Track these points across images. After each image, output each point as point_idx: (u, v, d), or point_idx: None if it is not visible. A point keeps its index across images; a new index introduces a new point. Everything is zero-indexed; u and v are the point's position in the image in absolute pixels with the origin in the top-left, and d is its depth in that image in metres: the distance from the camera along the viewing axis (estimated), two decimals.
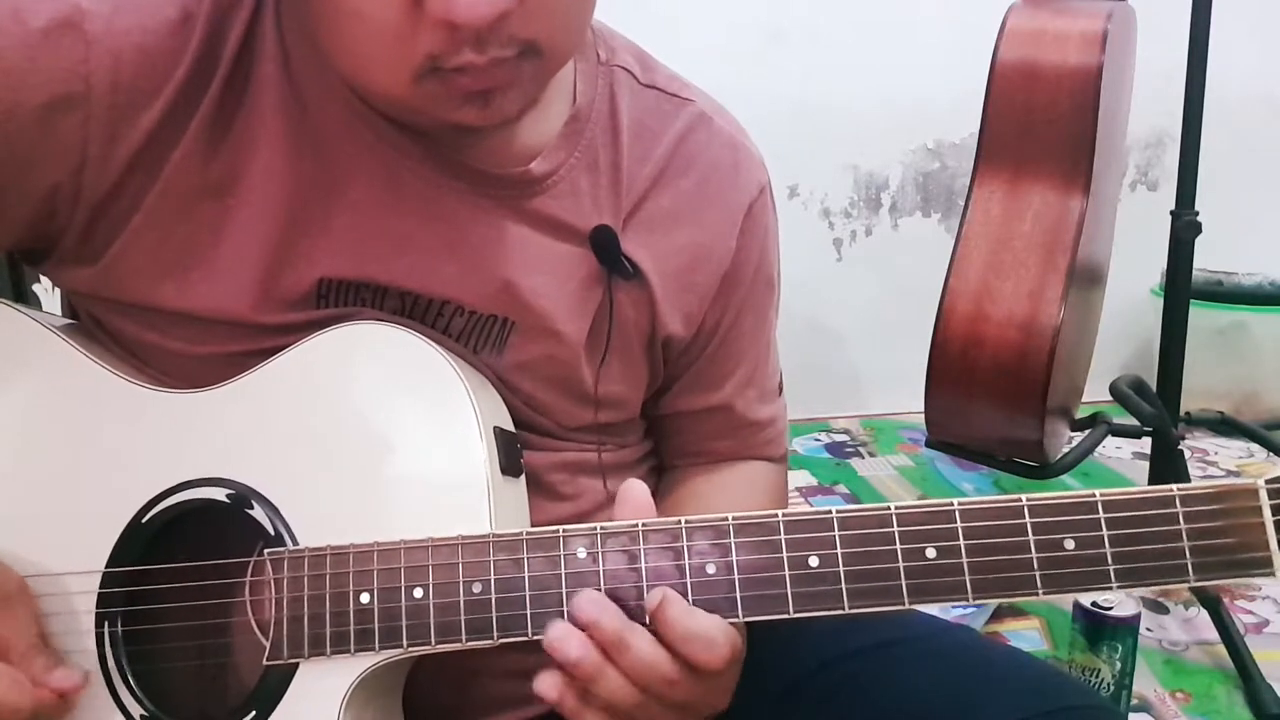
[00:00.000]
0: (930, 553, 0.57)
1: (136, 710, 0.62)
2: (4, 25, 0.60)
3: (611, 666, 0.57)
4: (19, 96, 0.60)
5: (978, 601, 0.57)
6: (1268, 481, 0.56)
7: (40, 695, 0.60)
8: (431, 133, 0.66)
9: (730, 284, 0.76)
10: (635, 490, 0.61)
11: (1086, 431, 1.77)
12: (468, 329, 0.69)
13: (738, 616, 0.58)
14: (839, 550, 0.57)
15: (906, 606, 0.57)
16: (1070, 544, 0.56)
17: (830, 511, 0.58)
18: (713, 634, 0.57)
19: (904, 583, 0.57)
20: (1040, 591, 0.56)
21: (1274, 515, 0.55)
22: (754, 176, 0.77)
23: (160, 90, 0.63)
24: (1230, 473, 2.22)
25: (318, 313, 0.67)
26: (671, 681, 0.57)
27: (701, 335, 0.77)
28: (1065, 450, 1.71)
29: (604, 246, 0.71)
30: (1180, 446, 1.69)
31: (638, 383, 0.77)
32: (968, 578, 0.57)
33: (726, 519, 0.59)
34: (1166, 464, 1.70)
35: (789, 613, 0.58)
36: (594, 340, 0.72)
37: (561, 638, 0.57)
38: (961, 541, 0.57)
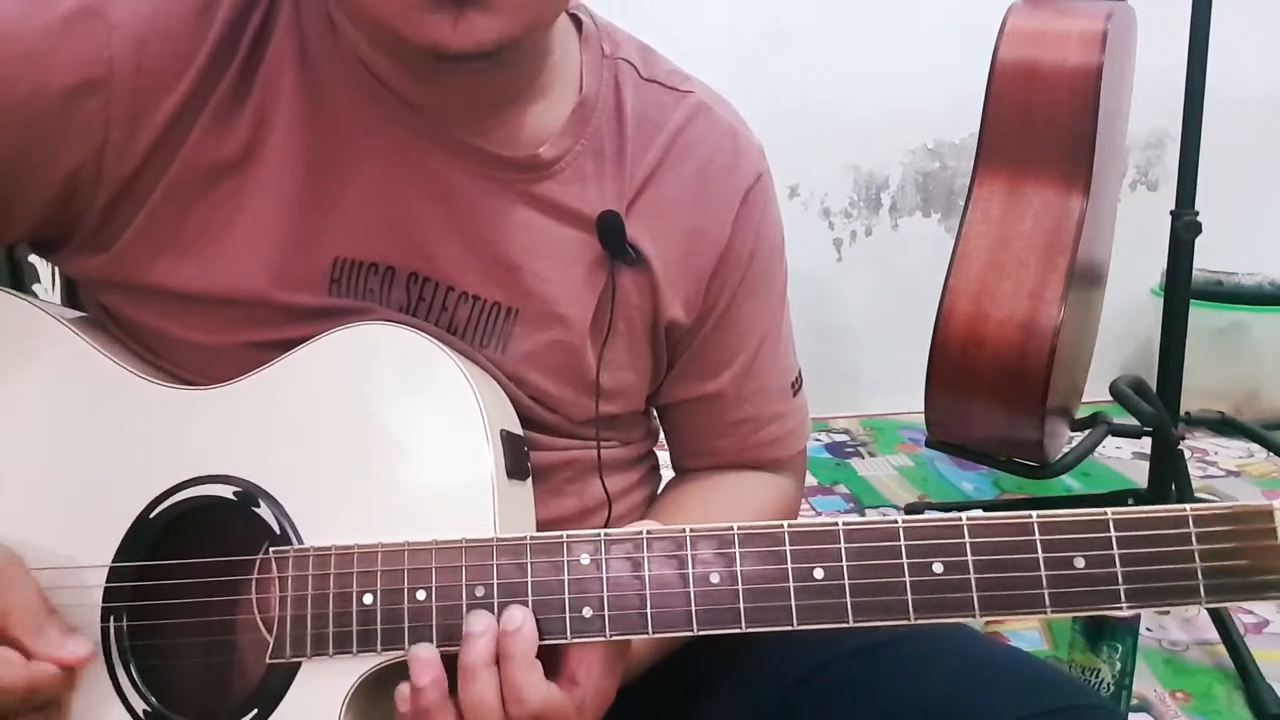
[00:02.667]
0: (937, 568, 0.56)
1: (140, 705, 0.62)
2: (28, 10, 0.61)
3: (451, 712, 0.57)
4: (42, 81, 0.61)
5: (985, 618, 0.56)
6: None
7: (35, 671, 0.59)
8: (439, 110, 0.67)
9: (725, 268, 0.77)
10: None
11: (1086, 431, 1.78)
12: (473, 319, 0.70)
13: (740, 627, 0.57)
14: (844, 563, 0.57)
15: (912, 621, 0.57)
16: (1080, 562, 0.55)
17: (837, 524, 0.57)
18: (529, 692, 0.57)
19: (910, 598, 0.56)
20: (1049, 610, 0.55)
21: None
22: (751, 164, 0.78)
23: (182, 74, 0.64)
24: (1230, 473, 2.23)
25: (330, 300, 0.67)
26: None
27: (699, 321, 0.78)
28: (1065, 450, 1.72)
29: (610, 232, 0.71)
30: (1180, 446, 1.69)
31: (642, 370, 0.77)
32: (975, 594, 0.56)
33: (732, 528, 0.58)
34: (1166, 464, 1.70)
35: (793, 624, 0.57)
36: (598, 326, 0.73)
37: (422, 660, 0.57)
38: (969, 558, 0.56)
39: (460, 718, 0.58)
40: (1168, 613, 1.67)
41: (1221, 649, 1.52)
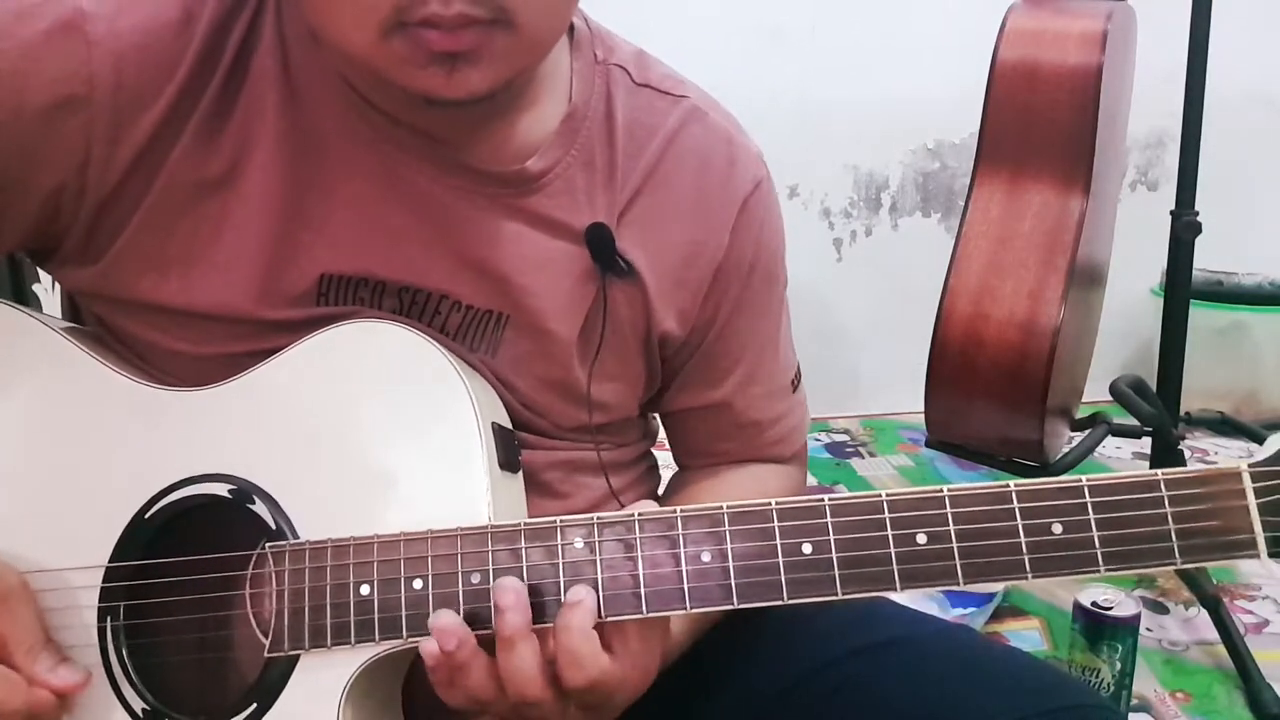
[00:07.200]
0: (921, 539, 0.58)
1: (138, 704, 0.63)
2: (7, 27, 0.61)
3: (480, 662, 0.58)
4: (22, 98, 0.61)
5: (968, 586, 0.58)
6: (1251, 466, 0.57)
7: (35, 695, 0.60)
8: (424, 126, 0.67)
9: (723, 279, 0.76)
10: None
11: (1086, 431, 1.77)
12: (464, 325, 0.70)
13: (733, 603, 0.58)
14: (832, 537, 0.58)
15: (899, 591, 0.58)
16: (1058, 528, 0.57)
17: (823, 499, 0.59)
18: (586, 658, 0.57)
19: (895, 568, 0.58)
20: (1029, 575, 0.57)
21: (1257, 499, 0.57)
22: (749, 171, 0.77)
23: (162, 90, 0.63)
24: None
25: (318, 310, 0.67)
26: (535, 700, 0.58)
27: (696, 332, 0.77)
28: (1065, 450, 1.72)
29: (599, 244, 0.71)
30: (1180, 446, 1.69)
31: (634, 382, 0.77)
32: (958, 562, 0.57)
33: (721, 508, 0.59)
34: (1166, 464, 1.70)
35: (783, 599, 0.58)
36: (588, 339, 0.72)
37: (444, 628, 0.57)
38: (951, 527, 0.58)
39: (496, 676, 0.58)
40: (1167, 611, 1.67)
41: (1221, 649, 1.52)
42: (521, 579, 0.59)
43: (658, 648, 0.63)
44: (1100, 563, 0.57)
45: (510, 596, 0.58)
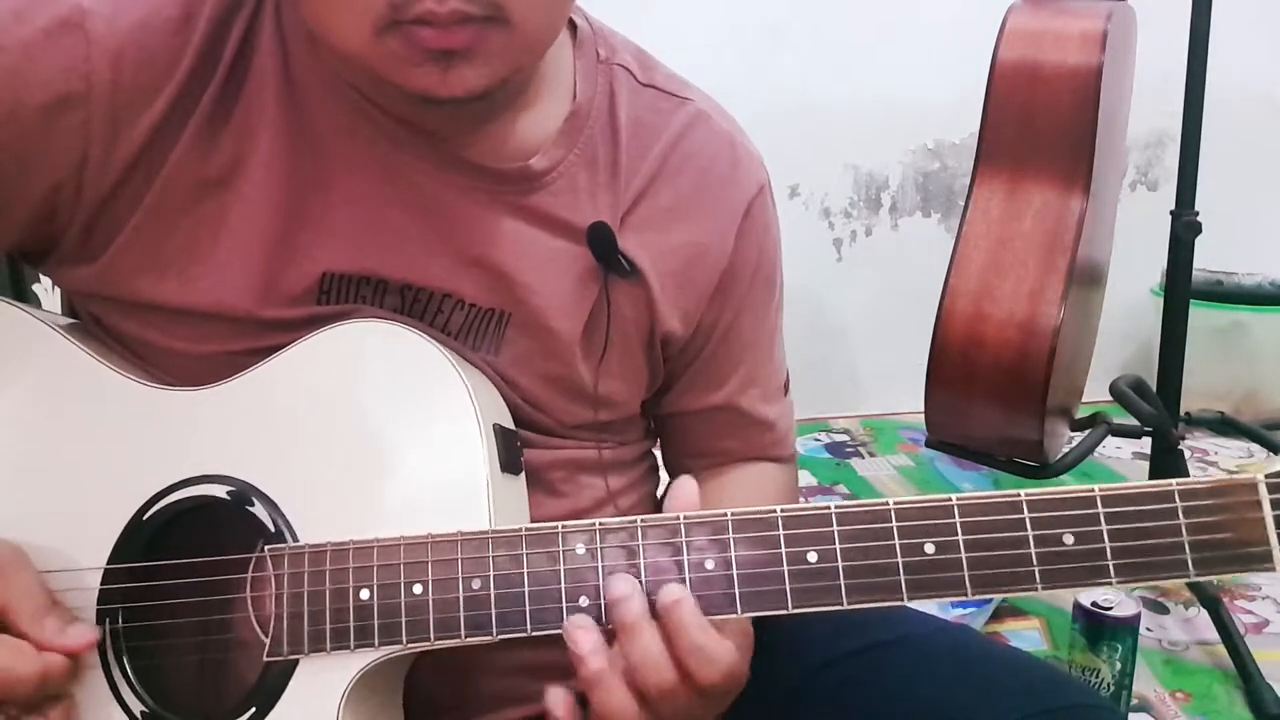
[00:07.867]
0: (929, 548, 0.57)
1: (137, 707, 0.62)
2: (5, 25, 0.61)
3: (615, 675, 0.57)
4: (21, 96, 0.61)
5: (977, 597, 0.57)
6: (1267, 476, 0.56)
7: (48, 661, 0.59)
8: (424, 124, 0.66)
9: (728, 283, 0.76)
10: (685, 488, 0.62)
11: (1086, 431, 1.77)
12: (466, 324, 0.70)
13: (736, 612, 0.58)
14: (838, 546, 0.57)
15: (905, 601, 0.57)
16: (1069, 539, 0.56)
17: (829, 507, 0.58)
18: (713, 650, 0.57)
19: (903, 578, 0.57)
20: (1040, 587, 0.56)
21: (1274, 510, 0.55)
22: (753, 175, 0.77)
23: (161, 89, 0.63)
24: (1230, 473, 2.22)
25: (319, 309, 0.67)
26: (670, 690, 0.58)
27: (700, 334, 0.77)
28: (1065, 450, 1.71)
29: (601, 243, 0.71)
30: (1180, 446, 1.69)
31: (637, 381, 0.77)
32: (966, 573, 0.56)
33: (725, 515, 0.59)
34: (1166, 464, 1.70)
35: (788, 609, 0.58)
36: (591, 337, 0.72)
37: (581, 626, 0.57)
38: (960, 537, 0.57)
39: (634, 687, 0.58)
40: (1167, 611, 1.67)
41: (1221, 649, 1.51)
42: (523, 585, 0.59)
43: (749, 644, 0.64)
44: (1112, 574, 0.56)
45: (626, 584, 0.58)
